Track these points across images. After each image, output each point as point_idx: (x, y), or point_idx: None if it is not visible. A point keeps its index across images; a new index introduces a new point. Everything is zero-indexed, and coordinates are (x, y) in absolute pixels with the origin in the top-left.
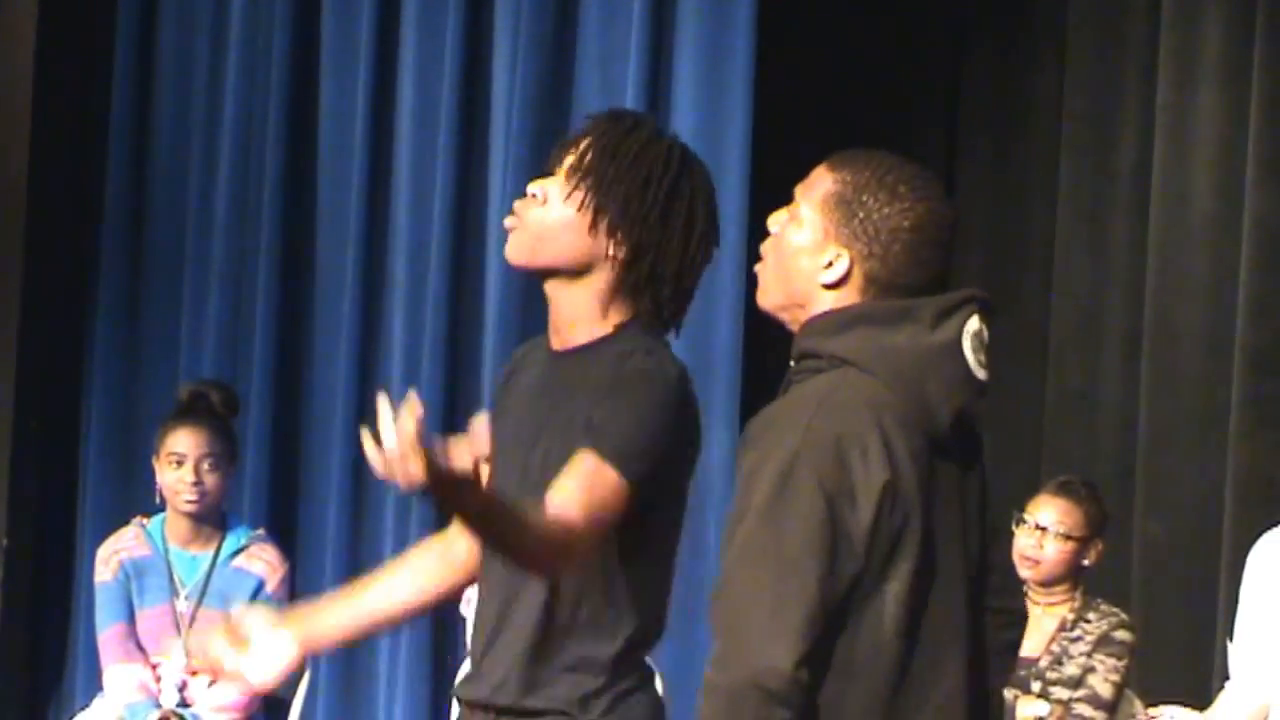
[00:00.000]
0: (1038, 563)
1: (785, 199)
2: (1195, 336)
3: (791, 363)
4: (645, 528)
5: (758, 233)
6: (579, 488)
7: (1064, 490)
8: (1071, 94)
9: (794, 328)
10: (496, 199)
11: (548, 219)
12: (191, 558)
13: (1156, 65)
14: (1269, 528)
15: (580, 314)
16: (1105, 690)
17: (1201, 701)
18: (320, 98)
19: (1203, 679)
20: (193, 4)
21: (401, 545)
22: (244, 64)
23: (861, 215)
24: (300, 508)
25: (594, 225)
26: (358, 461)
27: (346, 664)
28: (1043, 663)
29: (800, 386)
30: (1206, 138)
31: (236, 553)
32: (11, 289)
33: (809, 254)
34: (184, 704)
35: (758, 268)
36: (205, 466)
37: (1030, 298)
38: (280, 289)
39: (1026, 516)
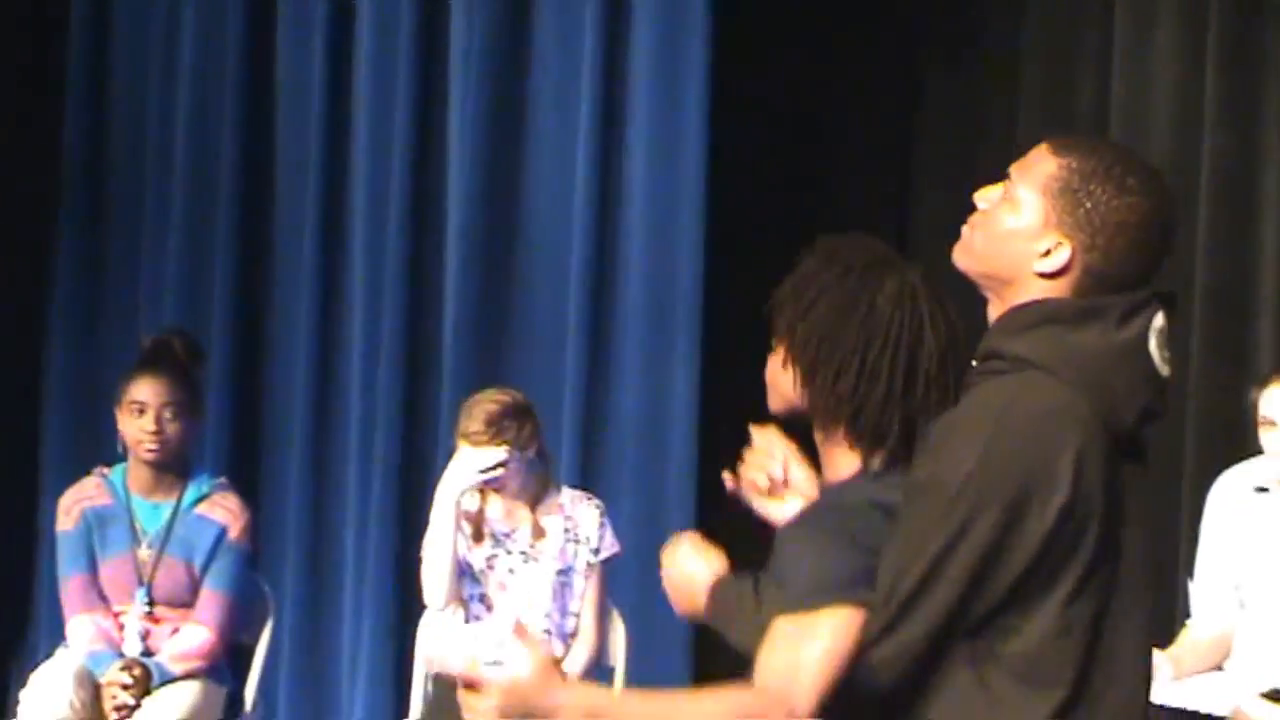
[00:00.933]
0: None
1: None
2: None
3: (974, 362)
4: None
5: (718, 179)
6: None
7: None
8: (1030, 35)
9: (988, 294)
10: (456, 145)
11: None
12: (153, 507)
13: (1114, 6)
14: (1228, 468)
15: None
16: None
17: (1163, 640)
18: (278, 44)
19: (1165, 618)
20: None
21: (364, 492)
22: (201, 12)
23: (1089, 205)
24: (262, 456)
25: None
26: (319, 409)
27: (311, 613)
28: None
29: (983, 389)
30: (1164, 78)
31: (198, 501)
32: None
33: (1026, 239)
34: (147, 652)
35: (965, 231)
36: (167, 415)
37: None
38: (240, 241)
39: None
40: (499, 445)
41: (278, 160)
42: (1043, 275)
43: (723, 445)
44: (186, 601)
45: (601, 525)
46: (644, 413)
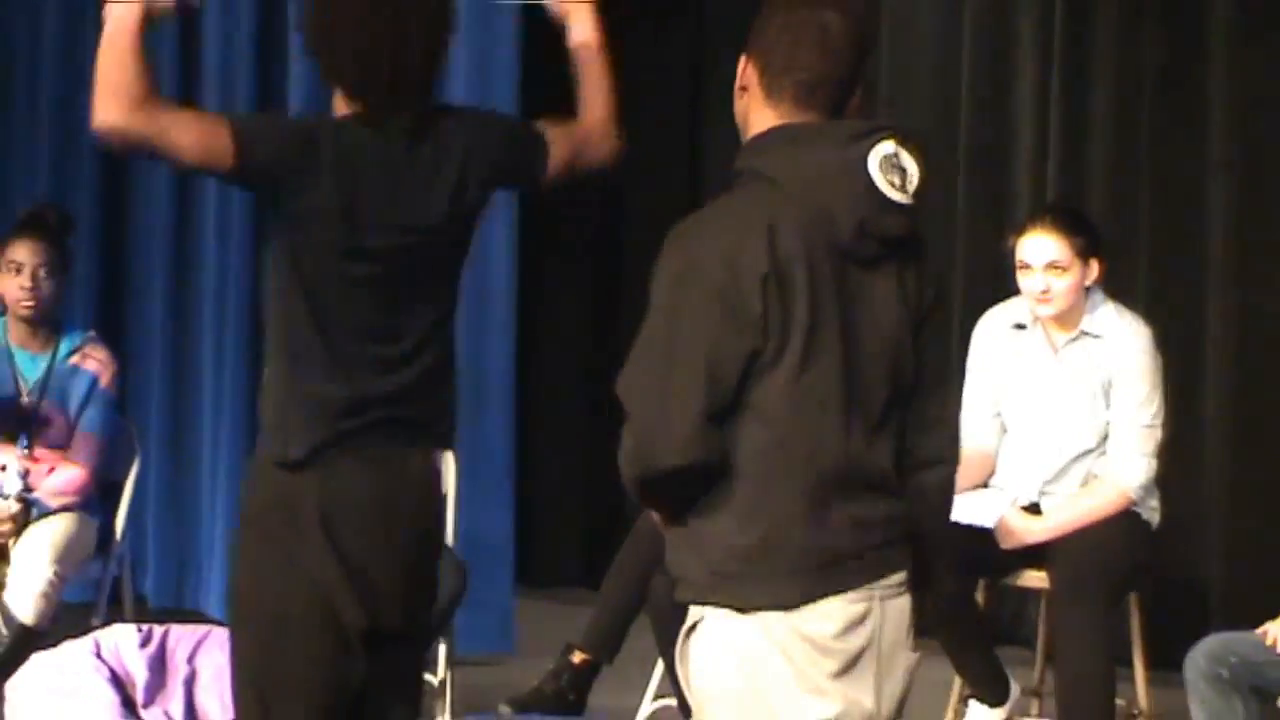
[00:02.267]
0: None
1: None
2: (928, 131)
3: None
4: None
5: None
6: None
7: None
8: None
9: None
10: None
11: None
12: (31, 358)
13: None
14: (989, 307)
15: None
16: None
17: None
18: None
19: None
20: None
21: (218, 338)
22: None
23: (761, 32)
24: (128, 311)
25: None
26: (178, 267)
27: (173, 450)
28: None
29: (714, 200)
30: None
31: (71, 353)
32: None
33: (740, 91)
34: (27, 489)
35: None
36: (41, 274)
37: None
38: None
39: None
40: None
41: None
42: (757, 106)
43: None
44: (62, 444)
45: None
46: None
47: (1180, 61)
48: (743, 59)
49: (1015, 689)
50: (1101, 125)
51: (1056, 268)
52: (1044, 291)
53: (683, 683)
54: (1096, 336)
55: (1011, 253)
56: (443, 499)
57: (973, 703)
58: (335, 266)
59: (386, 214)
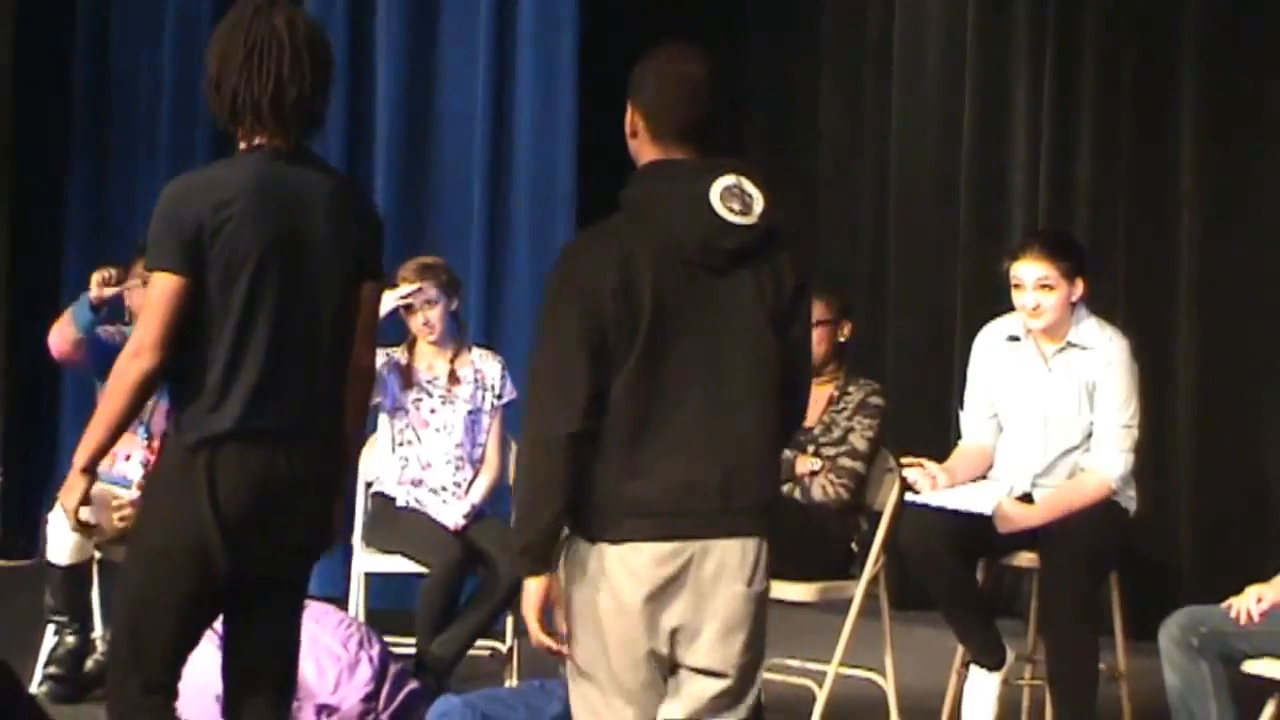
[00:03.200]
0: None
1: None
2: (929, 170)
3: None
4: None
5: (585, 97)
6: None
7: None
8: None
9: None
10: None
11: None
12: None
13: None
14: (988, 321)
15: None
16: (861, 444)
17: (942, 455)
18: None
19: (943, 439)
20: None
21: None
22: None
23: (636, 83)
24: None
25: None
26: None
27: None
28: (816, 430)
29: (594, 226)
30: (936, 23)
31: None
32: None
33: (629, 131)
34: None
35: None
36: None
37: (800, 146)
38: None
39: None
40: (420, 279)
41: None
42: (645, 145)
43: None
44: None
45: (503, 375)
46: (534, 284)
47: (1154, 107)
48: (629, 108)
49: (1010, 655)
50: (1085, 161)
51: (1045, 286)
52: (1035, 307)
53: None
54: (1081, 348)
55: (1007, 273)
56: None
57: (973, 667)
58: None
59: None
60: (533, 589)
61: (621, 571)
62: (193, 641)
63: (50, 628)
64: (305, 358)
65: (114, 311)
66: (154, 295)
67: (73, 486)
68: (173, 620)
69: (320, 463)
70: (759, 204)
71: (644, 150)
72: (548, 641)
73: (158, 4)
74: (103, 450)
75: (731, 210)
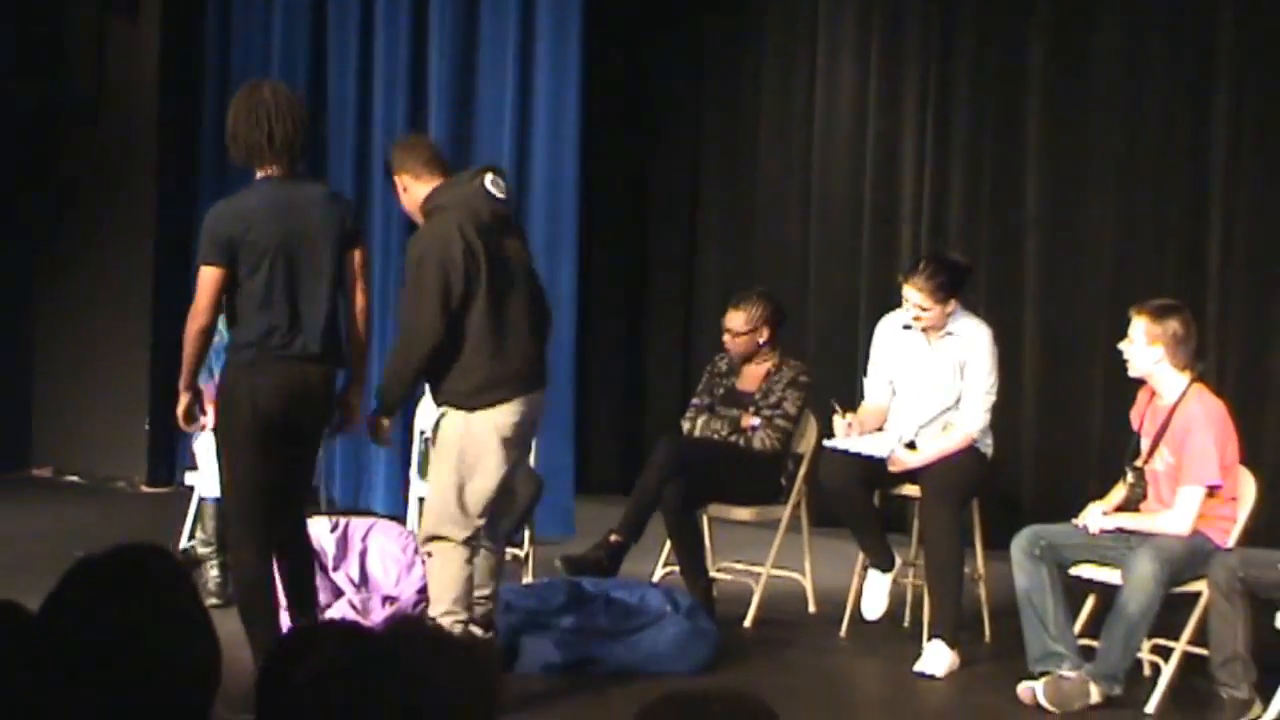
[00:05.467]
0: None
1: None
2: (840, 199)
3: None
4: None
5: (590, 143)
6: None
7: (737, 304)
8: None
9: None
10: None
11: None
12: None
13: (816, 44)
14: (885, 313)
15: None
16: (791, 409)
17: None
18: (329, 50)
19: (851, 400)
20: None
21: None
22: (288, 31)
23: (400, 160)
24: None
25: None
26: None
27: None
28: (756, 395)
29: (427, 221)
30: (845, 79)
31: None
32: None
33: (401, 194)
34: None
35: None
36: None
37: (743, 181)
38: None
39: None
40: None
41: (329, 134)
42: (418, 189)
43: (598, 304)
44: None
45: None
46: (549, 253)
47: (1010, 151)
48: (397, 180)
49: (898, 561)
50: (957, 192)
51: (921, 308)
52: (915, 318)
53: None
54: (955, 335)
55: (899, 287)
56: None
57: (871, 570)
58: None
59: None
60: (385, 424)
61: (487, 427)
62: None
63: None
64: (313, 306)
65: None
66: (202, 279)
67: (180, 400)
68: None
69: (329, 375)
70: (505, 187)
71: (420, 190)
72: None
73: (264, 55)
74: (190, 375)
75: (497, 190)
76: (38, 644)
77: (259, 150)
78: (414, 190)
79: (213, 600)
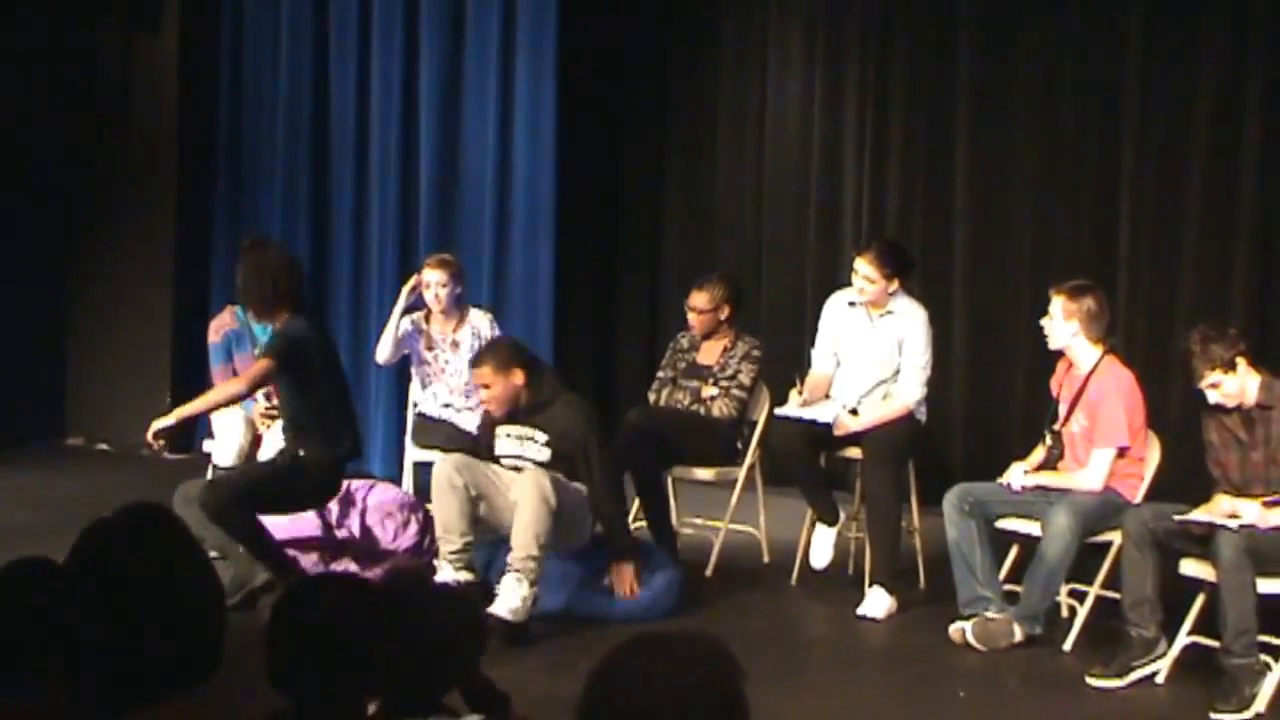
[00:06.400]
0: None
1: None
2: (790, 194)
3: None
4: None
5: (563, 134)
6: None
7: (700, 285)
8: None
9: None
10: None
11: None
12: (262, 328)
13: (766, 64)
14: (831, 293)
15: None
16: (746, 381)
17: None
18: (330, 71)
19: (801, 368)
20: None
21: (368, 308)
22: (292, 47)
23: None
24: (330, 294)
25: None
26: (355, 265)
27: (351, 370)
28: (715, 368)
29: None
30: (794, 88)
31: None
32: None
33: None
34: (270, 401)
35: None
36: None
37: (704, 178)
38: (314, 186)
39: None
40: (439, 270)
41: (331, 135)
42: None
43: (574, 289)
44: None
45: (491, 326)
46: (527, 266)
47: (940, 151)
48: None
49: (843, 516)
50: (893, 189)
51: (869, 279)
52: (860, 290)
53: None
54: (895, 314)
55: (850, 270)
56: None
57: (818, 524)
58: None
59: None
60: None
61: None
62: None
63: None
64: None
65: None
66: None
67: (171, 418)
68: None
69: None
70: None
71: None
72: None
73: (273, 72)
74: (195, 412)
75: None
76: (67, 588)
77: (271, 293)
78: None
79: (214, 554)
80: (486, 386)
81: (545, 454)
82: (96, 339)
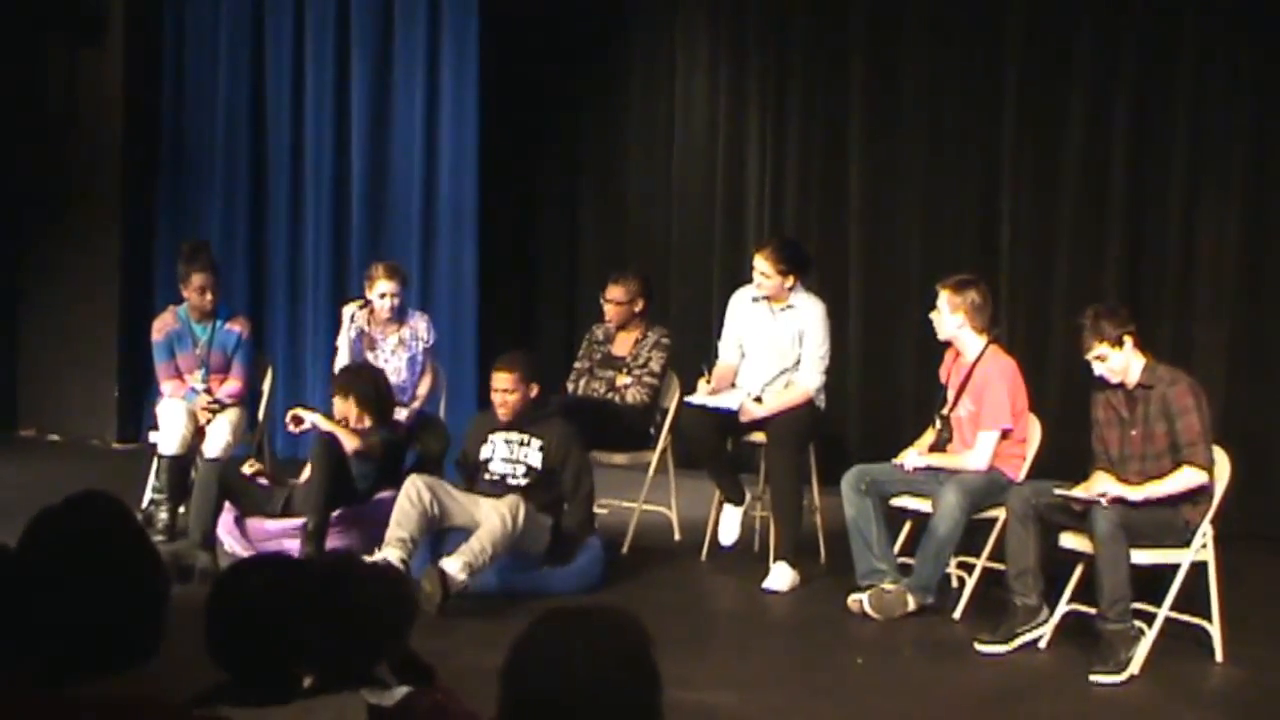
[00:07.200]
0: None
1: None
2: (698, 195)
3: None
4: None
5: (485, 139)
6: None
7: (616, 279)
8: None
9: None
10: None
11: None
12: (202, 327)
13: (675, 61)
14: (735, 289)
15: None
16: (656, 368)
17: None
18: (267, 66)
19: (708, 361)
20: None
21: (314, 307)
22: (233, 44)
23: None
24: (267, 296)
25: None
26: (291, 269)
27: (290, 371)
28: (628, 359)
29: None
30: (699, 98)
31: (225, 321)
32: None
33: None
34: (210, 396)
35: None
36: (210, 287)
37: (618, 180)
38: (251, 184)
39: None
40: (392, 280)
41: (269, 140)
42: None
43: (496, 285)
44: (224, 370)
45: (428, 328)
46: (452, 265)
47: (835, 152)
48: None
49: (748, 496)
50: (791, 190)
51: (765, 275)
52: (758, 285)
53: None
54: (795, 308)
55: (751, 266)
56: None
57: (726, 504)
58: None
59: None
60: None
61: None
62: None
63: (147, 500)
64: None
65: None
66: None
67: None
68: None
69: None
70: None
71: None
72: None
73: (214, 69)
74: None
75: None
76: (19, 569)
77: None
78: None
79: (159, 538)
80: (508, 392)
81: (538, 458)
82: (47, 336)
